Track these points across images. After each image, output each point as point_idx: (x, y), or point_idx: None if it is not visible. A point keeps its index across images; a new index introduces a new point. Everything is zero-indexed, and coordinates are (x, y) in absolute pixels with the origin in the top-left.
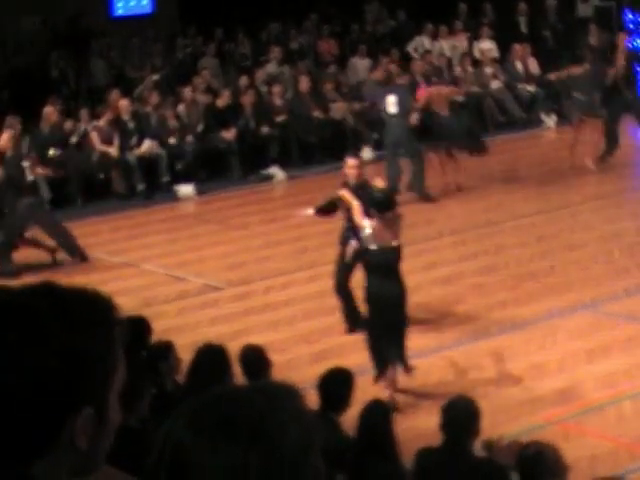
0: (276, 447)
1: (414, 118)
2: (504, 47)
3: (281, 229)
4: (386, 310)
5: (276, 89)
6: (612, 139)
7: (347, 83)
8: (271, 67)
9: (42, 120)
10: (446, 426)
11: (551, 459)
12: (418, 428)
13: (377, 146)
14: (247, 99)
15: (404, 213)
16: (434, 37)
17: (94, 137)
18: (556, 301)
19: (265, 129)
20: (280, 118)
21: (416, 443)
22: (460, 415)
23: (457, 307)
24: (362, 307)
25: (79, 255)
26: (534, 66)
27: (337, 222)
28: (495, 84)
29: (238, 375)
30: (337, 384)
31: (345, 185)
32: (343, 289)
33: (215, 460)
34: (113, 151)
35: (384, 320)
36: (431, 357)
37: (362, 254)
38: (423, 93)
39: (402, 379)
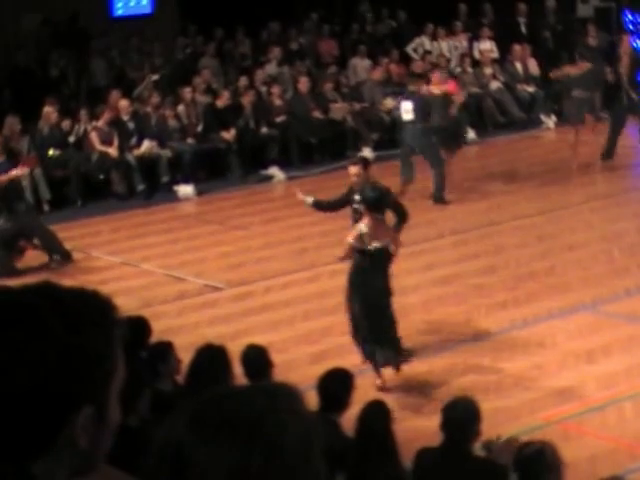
0: (276, 447)
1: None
2: (504, 48)
3: (281, 230)
4: (370, 295)
5: (276, 89)
6: (612, 143)
7: (347, 84)
8: (271, 67)
9: (42, 120)
10: (446, 426)
11: (549, 457)
12: (418, 428)
13: (377, 146)
14: (247, 99)
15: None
16: (434, 38)
17: (94, 137)
18: (556, 301)
19: (265, 129)
20: (280, 118)
21: (416, 443)
22: (460, 416)
23: (457, 307)
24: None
25: (66, 257)
26: (534, 67)
27: (337, 223)
28: (495, 85)
29: (238, 375)
30: (337, 384)
31: (351, 190)
32: None
33: (215, 460)
34: (113, 151)
35: (367, 305)
36: (431, 357)
37: (361, 253)
38: (454, 87)
39: (402, 379)
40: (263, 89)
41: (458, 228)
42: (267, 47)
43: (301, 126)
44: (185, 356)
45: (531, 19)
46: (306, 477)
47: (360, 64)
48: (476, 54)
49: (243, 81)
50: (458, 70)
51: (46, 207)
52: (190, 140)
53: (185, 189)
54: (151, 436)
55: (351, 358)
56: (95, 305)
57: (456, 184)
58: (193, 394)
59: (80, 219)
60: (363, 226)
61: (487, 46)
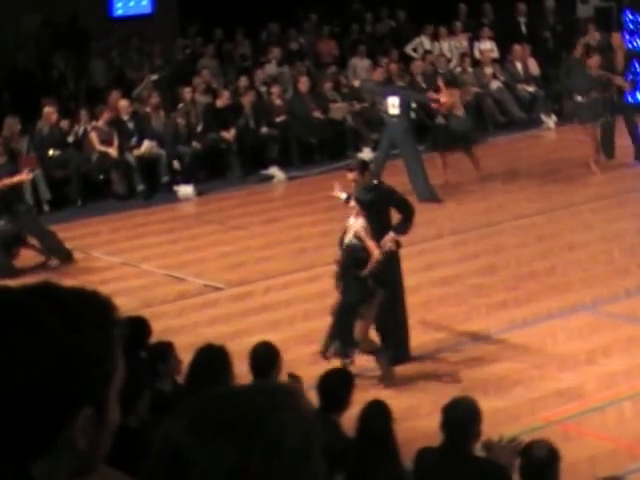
0: (276, 448)
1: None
2: (504, 47)
3: (281, 230)
4: (351, 286)
5: (276, 89)
6: (610, 142)
7: (347, 84)
8: (271, 67)
9: (42, 120)
10: (446, 426)
11: (548, 455)
12: (418, 428)
13: (377, 146)
14: (247, 99)
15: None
16: (434, 38)
17: (93, 138)
18: (556, 301)
19: (265, 129)
20: (280, 118)
21: (416, 443)
22: (461, 416)
23: (457, 307)
24: None
25: (67, 256)
26: (534, 67)
27: (337, 223)
28: (495, 84)
29: (238, 376)
30: (337, 385)
31: (352, 195)
32: None
33: (215, 461)
34: (113, 151)
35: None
36: (431, 357)
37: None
38: (443, 103)
39: (402, 379)
40: (263, 89)
41: (458, 228)
42: (267, 47)
43: (301, 126)
44: (185, 356)
45: (531, 19)
46: (306, 477)
47: (360, 64)
48: (476, 54)
49: (243, 81)
50: (458, 70)
51: (46, 207)
52: (190, 140)
53: (185, 189)
54: (151, 437)
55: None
56: (95, 305)
57: (456, 184)
58: (193, 394)
59: (80, 219)
60: (359, 226)
61: (487, 46)
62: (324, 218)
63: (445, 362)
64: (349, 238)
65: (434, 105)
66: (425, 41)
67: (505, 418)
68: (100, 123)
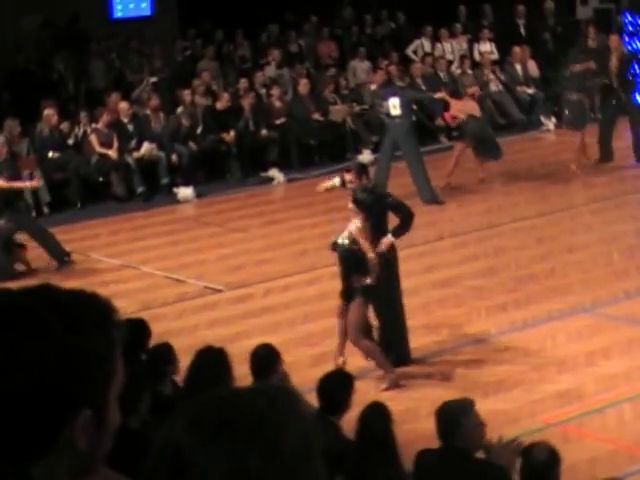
0: (276, 449)
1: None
2: (503, 49)
3: (281, 232)
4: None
5: (275, 91)
6: (606, 144)
7: (347, 86)
8: (270, 69)
9: (42, 122)
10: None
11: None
12: (418, 430)
13: (376, 149)
14: (246, 101)
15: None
16: (434, 39)
17: (93, 140)
18: (556, 303)
19: (264, 132)
20: (279, 121)
21: (416, 445)
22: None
23: (457, 309)
24: None
25: (66, 258)
26: (533, 68)
27: (337, 225)
28: (494, 86)
29: (238, 378)
30: (337, 386)
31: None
32: None
33: (215, 462)
34: (112, 154)
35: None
36: (431, 359)
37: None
38: (450, 116)
39: (402, 381)
40: (263, 91)
41: (457, 230)
42: (266, 49)
43: (301, 128)
44: (185, 359)
45: (530, 21)
46: (306, 478)
47: (360, 66)
48: (476, 56)
49: (243, 83)
50: (458, 72)
51: (46, 209)
52: (190, 142)
53: (185, 191)
54: (151, 438)
55: (351, 360)
56: (94, 307)
57: (456, 186)
58: (193, 396)
59: (80, 221)
60: (353, 227)
61: (487, 48)
62: (324, 220)
63: (445, 364)
64: (341, 238)
65: (448, 119)
66: (425, 43)
67: (505, 420)
68: (100, 125)
